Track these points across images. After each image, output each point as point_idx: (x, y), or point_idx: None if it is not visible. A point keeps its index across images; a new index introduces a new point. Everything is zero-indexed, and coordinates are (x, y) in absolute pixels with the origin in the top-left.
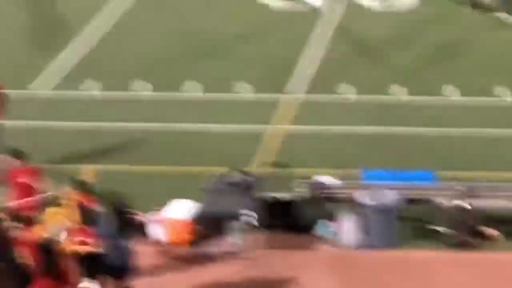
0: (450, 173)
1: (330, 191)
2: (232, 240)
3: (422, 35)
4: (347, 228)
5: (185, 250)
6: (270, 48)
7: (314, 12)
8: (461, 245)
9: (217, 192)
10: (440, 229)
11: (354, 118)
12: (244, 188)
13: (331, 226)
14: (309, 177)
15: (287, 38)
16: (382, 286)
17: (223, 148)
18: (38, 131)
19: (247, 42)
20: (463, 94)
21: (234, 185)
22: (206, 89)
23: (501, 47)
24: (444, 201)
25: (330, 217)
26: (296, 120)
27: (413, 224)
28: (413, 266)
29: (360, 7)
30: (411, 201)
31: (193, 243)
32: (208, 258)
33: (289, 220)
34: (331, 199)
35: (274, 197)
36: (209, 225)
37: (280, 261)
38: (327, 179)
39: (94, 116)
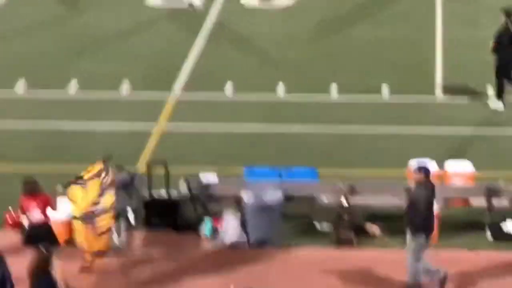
0: (332, 171)
1: (213, 189)
2: (113, 238)
3: (305, 33)
4: (229, 226)
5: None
6: (152, 46)
7: (193, 9)
8: (342, 242)
9: None
10: (321, 226)
11: (238, 116)
12: (126, 186)
13: (213, 224)
14: (193, 175)
15: (168, 35)
16: (264, 284)
17: (108, 147)
18: None
19: (128, 39)
20: (344, 91)
21: (116, 183)
22: (89, 87)
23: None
24: (326, 199)
25: (213, 215)
26: (180, 118)
27: (296, 221)
28: (295, 264)
29: (239, 4)
30: (293, 198)
31: (69, 242)
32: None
33: (172, 219)
34: (214, 197)
35: (157, 196)
36: None
37: (163, 260)
38: (210, 177)
39: None
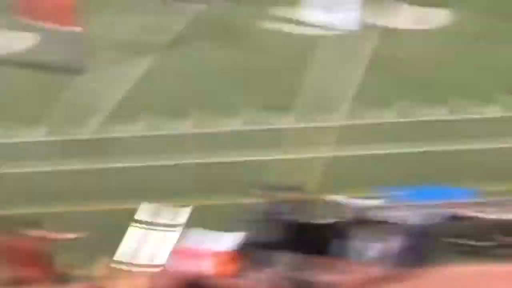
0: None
1: (366, 212)
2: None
3: None
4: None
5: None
6: None
7: None
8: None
9: (257, 222)
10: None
11: None
12: (282, 215)
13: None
14: (332, 200)
15: None
16: None
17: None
18: None
19: None
20: None
21: (274, 213)
22: None
23: None
24: (486, 216)
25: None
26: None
27: (455, 241)
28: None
29: None
30: (454, 218)
31: (237, 274)
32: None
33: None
34: (366, 220)
35: (318, 223)
36: (252, 256)
37: None
38: (355, 200)
39: None
